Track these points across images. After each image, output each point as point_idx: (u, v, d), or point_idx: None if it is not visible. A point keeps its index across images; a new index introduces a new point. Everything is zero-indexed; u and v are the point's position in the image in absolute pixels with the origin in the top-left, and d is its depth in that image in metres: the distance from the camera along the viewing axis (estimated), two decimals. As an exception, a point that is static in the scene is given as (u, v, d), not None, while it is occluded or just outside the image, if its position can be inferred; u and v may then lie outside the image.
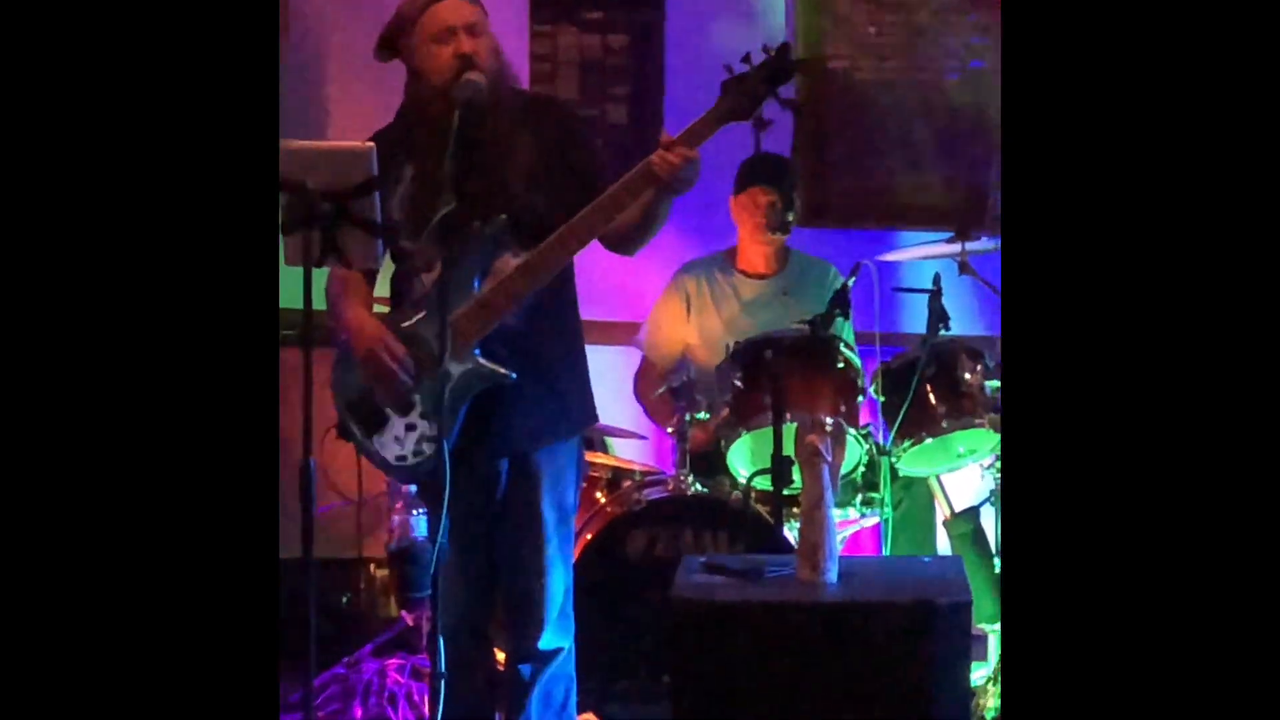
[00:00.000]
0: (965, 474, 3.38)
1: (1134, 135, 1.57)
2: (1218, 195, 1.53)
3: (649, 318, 3.62)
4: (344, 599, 3.72)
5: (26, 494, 1.60)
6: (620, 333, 3.77)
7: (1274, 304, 1.53)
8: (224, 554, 1.70)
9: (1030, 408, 1.62)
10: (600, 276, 3.19)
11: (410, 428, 2.50)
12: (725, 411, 3.19)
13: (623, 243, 2.54)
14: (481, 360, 2.39)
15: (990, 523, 3.33)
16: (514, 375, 2.41)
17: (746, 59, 2.47)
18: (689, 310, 3.52)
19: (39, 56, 1.61)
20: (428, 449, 2.49)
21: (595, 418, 2.73)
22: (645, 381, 3.57)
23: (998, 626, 3.15)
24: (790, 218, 3.42)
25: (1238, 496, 1.52)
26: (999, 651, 3.18)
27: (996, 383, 3.23)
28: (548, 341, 2.51)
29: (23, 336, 1.60)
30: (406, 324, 2.46)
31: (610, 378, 3.75)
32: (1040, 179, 1.61)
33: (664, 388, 3.38)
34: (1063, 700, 1.57)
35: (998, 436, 3.16)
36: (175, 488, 1.66)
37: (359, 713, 3.22)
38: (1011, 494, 1.62)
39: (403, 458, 2.53)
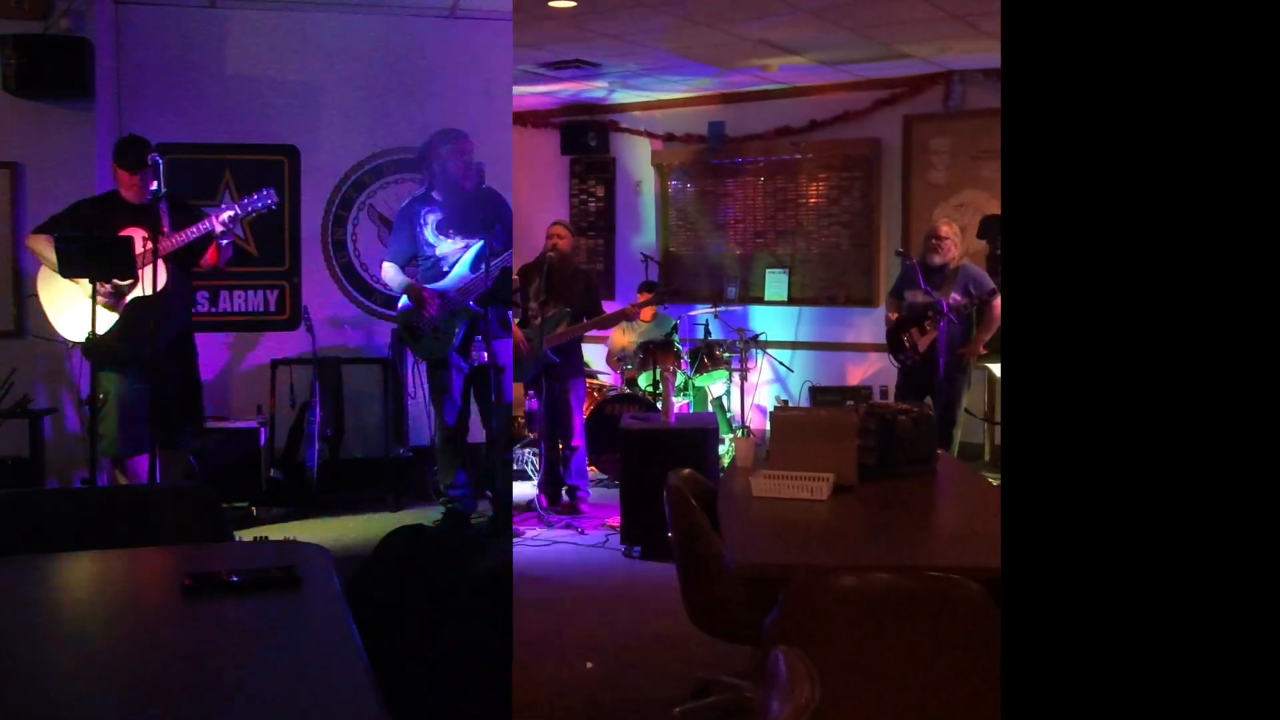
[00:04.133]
0: (719, 384, 8.14)
1: (1130, 136, 1.45)
2: (1215, 195, 1.42)
3: (610, 339, 8.29)
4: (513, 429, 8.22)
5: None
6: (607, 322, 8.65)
7: (1257, 294, 1.41)
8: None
9: (1028, 400, 1.52)
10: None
11: (524, 369, 7.21)
12: (639, 364, 7.96)
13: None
14: (549, 354, 6.81)
15: (726, 399, 8.09)
16: (559, 359, 6.91)
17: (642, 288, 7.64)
18: (626, 335, 8.26)
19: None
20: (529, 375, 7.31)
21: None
22: (611, 359, 8.29)
23: (729, 436, 7.95)
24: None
25: (1231, 490, 1.41)
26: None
27: (728, 355, 8.04)
28: (573, 346, 7.18)
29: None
30: (531, 337, 7.05)
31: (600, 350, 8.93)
32: (1038, 181, 1.49)
33: (618, 358, 8.23)
34: (1061, 670, 1.47)
35: (726, 373, 7.94)
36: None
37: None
38: (1012, 482, 1.53)
39: (521, 376, 7.20)
